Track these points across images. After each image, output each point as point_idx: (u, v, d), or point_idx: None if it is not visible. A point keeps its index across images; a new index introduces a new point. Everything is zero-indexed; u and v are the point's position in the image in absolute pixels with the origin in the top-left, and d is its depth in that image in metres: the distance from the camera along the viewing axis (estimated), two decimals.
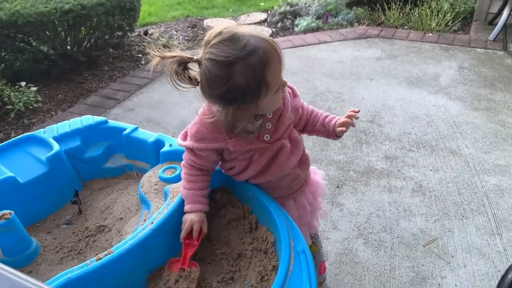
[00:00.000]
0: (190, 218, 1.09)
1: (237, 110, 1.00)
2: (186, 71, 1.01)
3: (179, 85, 1.02)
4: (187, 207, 1.12)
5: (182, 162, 1.18)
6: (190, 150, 1.13)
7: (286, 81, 1.06)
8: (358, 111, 1.23)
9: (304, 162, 1.27)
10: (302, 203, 1.32)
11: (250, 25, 5.15)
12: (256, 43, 0.94)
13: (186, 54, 1.01)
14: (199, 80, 1.00)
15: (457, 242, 1.99)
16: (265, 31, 4.89)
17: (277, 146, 1.14)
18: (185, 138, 1.16)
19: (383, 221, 2.14)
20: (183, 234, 1.08)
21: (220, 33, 0.95)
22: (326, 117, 1.27)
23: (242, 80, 0.93)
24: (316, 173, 1.43)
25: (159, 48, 1.01)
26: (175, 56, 1.00)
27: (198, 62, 0.98)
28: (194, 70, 1.01)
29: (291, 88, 1.21)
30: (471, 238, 2.01)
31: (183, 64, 1.00)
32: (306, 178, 1.33)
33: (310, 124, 1.29)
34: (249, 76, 0.93)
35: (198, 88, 1.02)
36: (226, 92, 0.95)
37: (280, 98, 1.08)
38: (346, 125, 1.21)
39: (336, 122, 1.24)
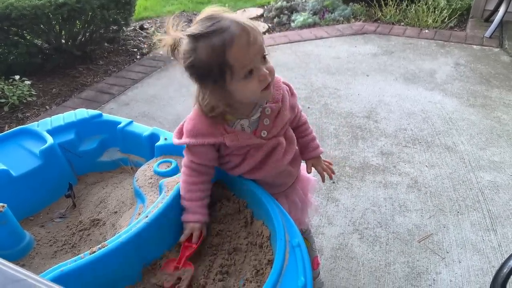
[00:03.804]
0: (191, 225, 1.10)
1: (211, 91, 1.01)
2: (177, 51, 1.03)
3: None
4: (189, 217, 1.11)
5: (182, 169, 1.16)
6: (188, 149, 1.12)
7: (267, 71, 0.99)
8: (332, 177, 1.36)
9: (295, 159, 1.26)
10: (293, 200, 1.32)
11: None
12: (226, 25, 0.93)
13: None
14: None
15: (452, 238, 2.00)
16: (261, 26, 4.87)
17: (273, 143, 1.13)
18: (179, 135, 1.13)
19: (379, 217, 2.14)
20: (182, 238, 1.09)
21: (202, 14, 0.98)
22: (313, 140, 1.33)
23: (204, 58, 0.95)
24: None
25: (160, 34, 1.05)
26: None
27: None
28: None
29: (288, 86, 1.19)
30: (466, 234, 2.02)
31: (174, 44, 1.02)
32: (297, 175, 1.32)
33: (296, 133, 1.29)
34: (209, 55, 0.94)
35: None
36: (191, 67, 0.98)
37: (257, 88, 1.00)
38: (316, 169, 1.34)
39: (316, 157, 1.34)
